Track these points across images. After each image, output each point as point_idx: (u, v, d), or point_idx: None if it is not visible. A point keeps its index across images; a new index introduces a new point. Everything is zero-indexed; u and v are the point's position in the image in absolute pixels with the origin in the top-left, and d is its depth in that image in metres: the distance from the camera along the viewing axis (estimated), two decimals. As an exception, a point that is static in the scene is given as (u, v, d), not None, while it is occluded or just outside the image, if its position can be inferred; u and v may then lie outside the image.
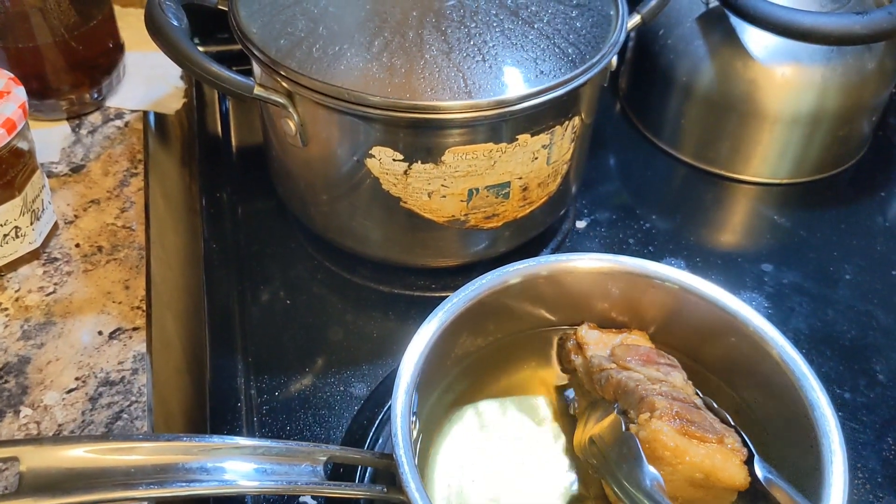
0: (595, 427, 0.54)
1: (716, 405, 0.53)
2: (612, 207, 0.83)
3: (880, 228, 0.83)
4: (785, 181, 0.86)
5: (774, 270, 0.78)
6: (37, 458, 0.40)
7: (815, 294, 0.76)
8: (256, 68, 0.65)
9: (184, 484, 0.42)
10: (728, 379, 0.58)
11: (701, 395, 0.54)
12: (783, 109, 0.80)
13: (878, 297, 0.76)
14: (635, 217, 0.82)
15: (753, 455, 0.50)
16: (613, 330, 0.60)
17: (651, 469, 0.49)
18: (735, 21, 0.80)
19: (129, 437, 0.44)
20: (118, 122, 0.77)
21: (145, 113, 0.79)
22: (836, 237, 0.82)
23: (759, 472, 0.48)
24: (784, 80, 0.79)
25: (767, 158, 0.84)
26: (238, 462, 0.44)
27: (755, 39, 0.80)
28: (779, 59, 0.79)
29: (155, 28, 0.61)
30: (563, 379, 0.61)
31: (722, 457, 0.49)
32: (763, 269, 0.78)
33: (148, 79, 0.82)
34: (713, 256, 0.79)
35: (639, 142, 0.90)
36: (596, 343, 0.58)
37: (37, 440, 0.41)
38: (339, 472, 0.57)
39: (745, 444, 0.51)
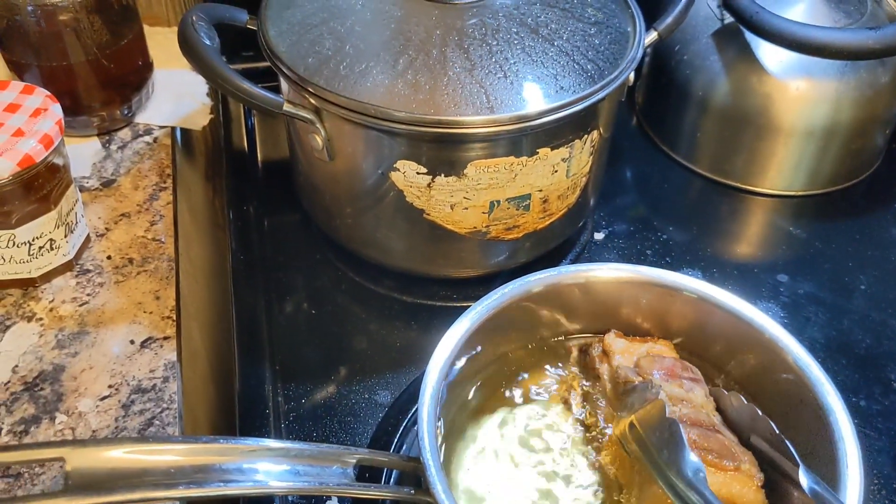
0: (637, 411, 0.54)
1: (734, 418, 0.54)
2: (629, 219, 0.84)
3: (895, 239, 0.84)
4: (800, 193, 0.88)
5: (790, 281, 0.79)
6: (81, 459, 0.42)
7: (830, 304, 0.77)
8: (285, 85, 0.67)
9: (221, 484, 0.44)
10: (747, 387, 0.60)
11: (720, 410, 0.56)
12: (798, 123, 0.82)
13: (893, 307, 0.77)
14: (653, 229, 0.83)
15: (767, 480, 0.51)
16: (639, 338, 0.61)
17: (693, 457, 0.48)
18: (750, 37, 0.82)
19: (167, 439, 0.46)
20: (147, 138, 0.79)
21: (173, 129, 0.80)
22: (851, 248, 0.83)
23: (805, 481, 0.48)
24: (798, 94, 0.81)
25: (782, 171, 0.85)
26: (271, 463, 0.46)
27: (769, 54, 0.81)
28: (793, 73, 0.81)
29: (188, 47, 0.63)
30: (585, 386, 0.62)
31: (739, 484, 0.50)
32: (779, 279, 0.79)
33: (176, 96, 0.84)
34: (729, 267, 0.80)
35: (655, 155, 0.92)
36: (622, 352, 0.60)
37: (80, 441, 0.43)
38: (364, 476, 0.58)
39: (761, 468, 0.52)
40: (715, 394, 0.57)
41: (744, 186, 0.87)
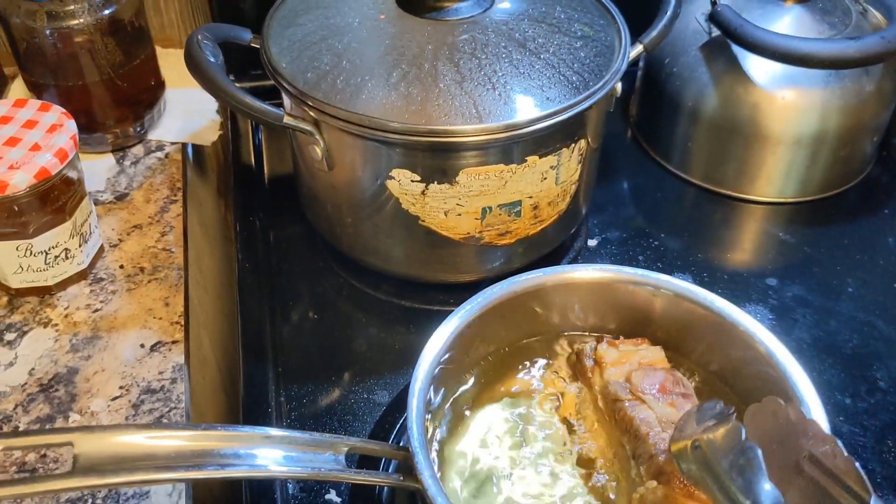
0: (705, 432, 0.50)
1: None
2: (623, 227, 0.86)
3: (883, 244, 0.85)
4: (791, 200, 0.89)
5: (779, 284, 0.81)
6: (88, 444, 0.45)
7: (818, 306, 0.79)
8: (286, 99, 0.70)
9: (218, 468, 0.46)
10: (725, 379, 0.62)
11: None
12: (785, 131, 0.84)
13: (880, 309, 0.78)
14: (645, 236, 0.85)
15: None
16: (631, 342, 0.63)
17: (772, 489, 0.45)
18: (736, 49, 0.84)
19: (170, 426, 0.49)
20: (159, 154, 0.83)
21: (184, 145, 0.84)
22: (839, 253, 0.84)
23: None
24: (785, 103, 0.83)
25: (772, 179, 0.87)
26: (267, 450, 0.48)
27: (756, 66, 0.83)
28: (779, 83, 0.83)
29: (193, 64, 0.67)
30: (571, 385, 0.64)
31: None
32: (768, 283, 0.81)
33: (186, 113, 0.87)
34: (720, 272, 0.82)
35: (650, 166, 0.94)
36: (614, 363, 0.61)
37: (88, 428, 0.46)
38: (363, 467, 0.61)
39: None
40: (767, 406, 0.51)
41: (735, 194, 0.89)
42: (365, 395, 0.70)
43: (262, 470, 0.48)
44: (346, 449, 0.51)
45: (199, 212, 0.80)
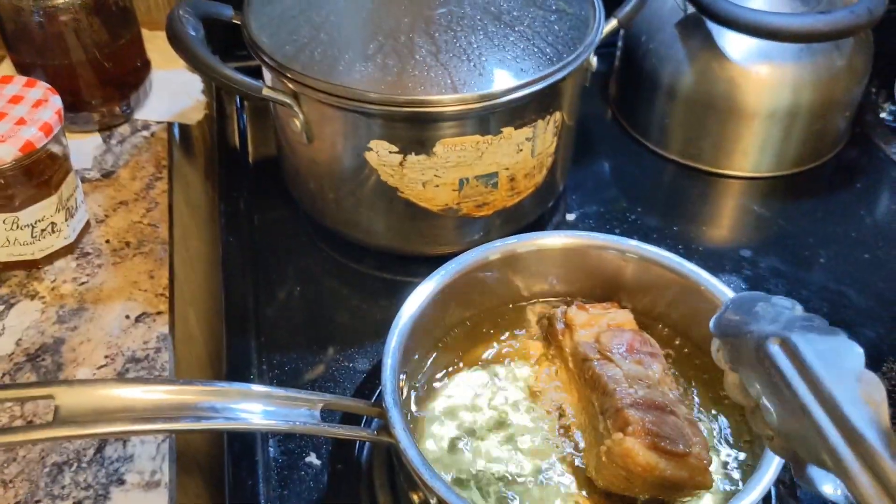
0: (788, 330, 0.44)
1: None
2: (601, 203, 0.88)
3: (855, 216, 0.87)
4: (766, 175, 0.91)
5: (753, 256, 0.82)
6: (69, 397, 0.46)
7: (790, 276, 0.80)
8: (266, 73, 0.72)
9: (196, 420, 0.48)
10: (691, 338, 0.64)
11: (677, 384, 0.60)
12: (760, 106, 0.85)
13: (851, 279, 0.80)
14: (623, 210, 0.87)
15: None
16: (600, 306, 0.65)
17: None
18: (711, 25, 0.85)
19: (150, 380, 0.50)
20: (145, 133, 0.84)
21: (170, 124, 0.85)
22: (812, 226, 0.86)
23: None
24: (759, 78, 0.84)
25: (748, 153, 0.89)
26: (245, 404, 0.50)
27: (731, 42, 0.85)
28: (753, 59, 0.84)
29: (175, 37, 0.68)
30: (543, 349, 0.66)
31: (689, 470, 0.53)
32: (742, 254, 0.82)
33: (172, 94, 0.88)
34: (696, 244, 0.83)
35: (629, 143, 0.95)
36: (584, 325, 0.63)
37: (69, 381, 0.47)
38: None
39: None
40: None
41: (712, 170, 0.91)
42: (346, 364, 0.72)
43: (239, 422, 0.49)
44: (321, 405, 0.52)
45: (185, 192, 0.81)
